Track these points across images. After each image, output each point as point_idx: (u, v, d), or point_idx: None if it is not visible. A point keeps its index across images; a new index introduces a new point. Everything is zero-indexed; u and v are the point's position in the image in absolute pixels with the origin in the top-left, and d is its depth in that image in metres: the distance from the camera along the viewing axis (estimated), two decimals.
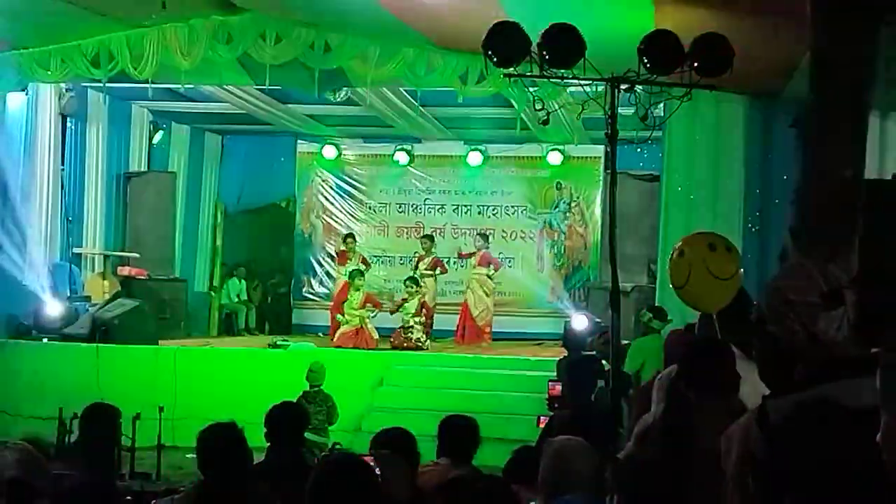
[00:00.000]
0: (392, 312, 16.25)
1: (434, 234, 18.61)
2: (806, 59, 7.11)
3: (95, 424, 6.67)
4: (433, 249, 17.64)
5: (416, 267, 17.36)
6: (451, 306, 17.87)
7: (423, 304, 16.10)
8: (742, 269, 5.75)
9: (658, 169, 14.23)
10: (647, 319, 11.01)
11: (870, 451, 2.95)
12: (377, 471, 4.43)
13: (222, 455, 5.05)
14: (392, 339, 15.77)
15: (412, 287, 16.23)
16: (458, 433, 5.89)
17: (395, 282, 18.48)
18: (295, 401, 10.21)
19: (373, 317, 16.03)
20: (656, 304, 11.60)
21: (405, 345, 15.47)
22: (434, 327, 16.95)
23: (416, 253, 18.14)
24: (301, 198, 20.28)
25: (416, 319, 15.82)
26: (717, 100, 12.52)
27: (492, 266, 17.39)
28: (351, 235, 18.00)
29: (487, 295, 17.30)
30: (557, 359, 11.86)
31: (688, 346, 5.35)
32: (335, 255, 18.71)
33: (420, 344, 15.54)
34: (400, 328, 15.82)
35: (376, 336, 15.87)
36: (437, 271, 17.41)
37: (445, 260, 17.91)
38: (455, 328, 17.43)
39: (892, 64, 7.91)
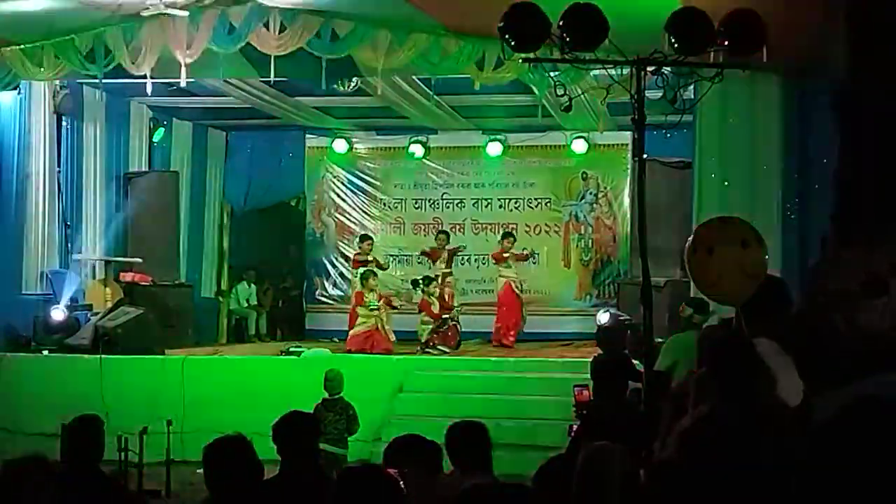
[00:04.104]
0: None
1: (453, 230, 18.70)
2: (844, 35, 7.08)
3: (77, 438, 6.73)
4: (446, 246, 17.67)
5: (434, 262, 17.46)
6: (474, 306, 17.87)
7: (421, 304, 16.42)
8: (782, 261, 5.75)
9: (689, 155, 14.20)
10: (688, 315, 10.90)
11: None
12: (401, 484, 4.43)
13: (230, 470, 5.08)
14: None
15: (415, 290, 16.59)
16: (464, 440, 5.89)
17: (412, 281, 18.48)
18: (313, 409, 10.31)
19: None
20: (696, 298, 11.52)
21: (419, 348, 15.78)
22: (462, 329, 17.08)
23: (430, 248, 18.13)
24: (311, 195, 20.31)
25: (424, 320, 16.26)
26: (750, 80, 12.50)
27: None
28: (367, 237, 17.92)
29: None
30: (589, 359, 11.84)
31: (712, 344, 5.34)
32: (350, 257, 18.73)
33: (420, 343, 15.84)
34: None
35: (393, 338, 15.91)
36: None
37: (467, 257, 18.02)
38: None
39: None
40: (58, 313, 15.17)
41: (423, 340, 16.05)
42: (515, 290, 17.21)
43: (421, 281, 16.88)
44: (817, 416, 3.57)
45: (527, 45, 6.49)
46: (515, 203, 19.47)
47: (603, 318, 14.94)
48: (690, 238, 5.82)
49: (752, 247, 5.49)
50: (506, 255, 17.19)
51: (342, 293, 19.42)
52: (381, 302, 15.98)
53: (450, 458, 5.83)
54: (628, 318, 14.18)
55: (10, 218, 15.61)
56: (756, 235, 5.58)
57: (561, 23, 6.30)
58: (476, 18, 11.85)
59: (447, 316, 16.42)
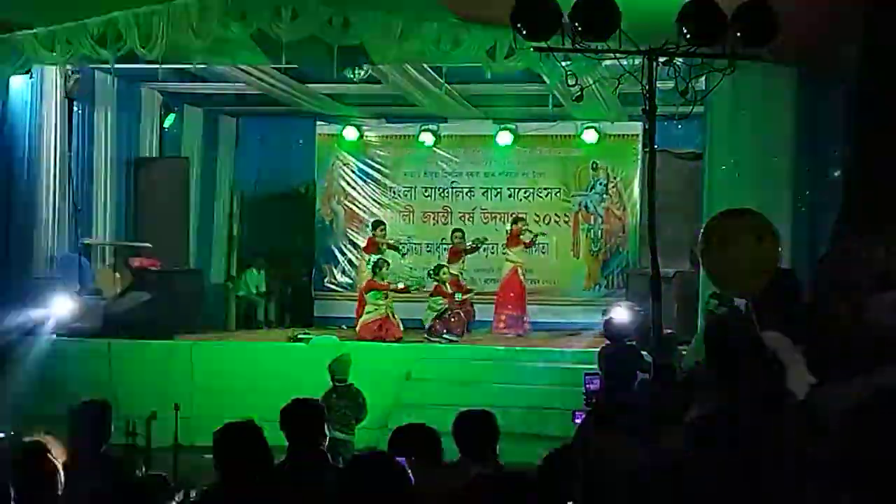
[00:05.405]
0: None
1: (462, 219, 18.69)
2: (858, 26, 7.04)
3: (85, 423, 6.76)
4: (465, 243, 17.65)
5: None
6: (483, 295, 17.82)
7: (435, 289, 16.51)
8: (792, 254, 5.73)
9: (700, 146, 14.17)
10: (713, 307, 10.81)
11: None
12: (409, 472, 4.42)
13: (240, 456, 5.08)
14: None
15: (429, 278, 16.89)
16: (472, 429, 5.90)
17: (421, 270, 18.49)
18: (321, 396, 10.32)
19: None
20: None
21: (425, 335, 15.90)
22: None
23: (442, 239, 18.13)
24: (321, 182, 20.29)
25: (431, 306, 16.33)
26: (762, 72, 12.43)
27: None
28: (380, 223, 17.95)
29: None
30: (597, 349, 11.85)
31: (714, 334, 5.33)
32: (359, 244, 18.74)
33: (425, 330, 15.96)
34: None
35: (402, 328, 15.95)
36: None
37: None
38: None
39: None
40: (67, 298, 15.19)
41: (426, 327, 16.05)
42: (520, 276, 17.18)
43: (433, 270, 16.91)
44: (830, 408, 3.56)
45: (538, 34, 6.47)
46: (525, 192, 19.43)
47: (611, 308, 14.93)
48: (703, 229, 5.80)
49: (766, 240, 5.47)
50: (522, 237, 17.18)
51: (351, 281, 19.44)
52: (391, 291, 16.04)
53: (457, 446, 5.84)
54: (639, 309, 14.17)
55: (21, 202, 15.64)
56: (771, 229, 5.55)
57: (573, 12, 6.28)
58: (488, 7, 11.82)
59: (460, 296, 16.45)
